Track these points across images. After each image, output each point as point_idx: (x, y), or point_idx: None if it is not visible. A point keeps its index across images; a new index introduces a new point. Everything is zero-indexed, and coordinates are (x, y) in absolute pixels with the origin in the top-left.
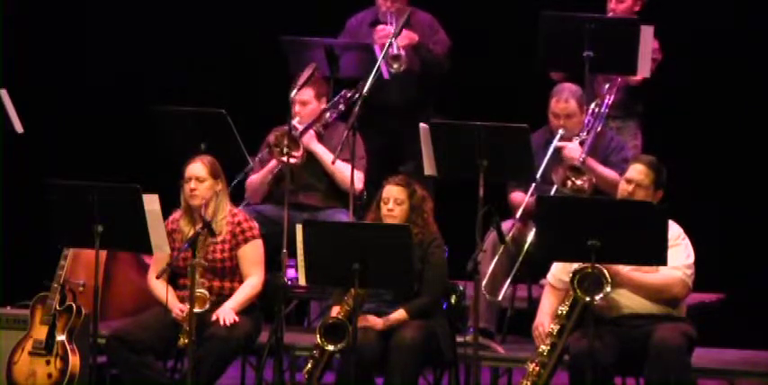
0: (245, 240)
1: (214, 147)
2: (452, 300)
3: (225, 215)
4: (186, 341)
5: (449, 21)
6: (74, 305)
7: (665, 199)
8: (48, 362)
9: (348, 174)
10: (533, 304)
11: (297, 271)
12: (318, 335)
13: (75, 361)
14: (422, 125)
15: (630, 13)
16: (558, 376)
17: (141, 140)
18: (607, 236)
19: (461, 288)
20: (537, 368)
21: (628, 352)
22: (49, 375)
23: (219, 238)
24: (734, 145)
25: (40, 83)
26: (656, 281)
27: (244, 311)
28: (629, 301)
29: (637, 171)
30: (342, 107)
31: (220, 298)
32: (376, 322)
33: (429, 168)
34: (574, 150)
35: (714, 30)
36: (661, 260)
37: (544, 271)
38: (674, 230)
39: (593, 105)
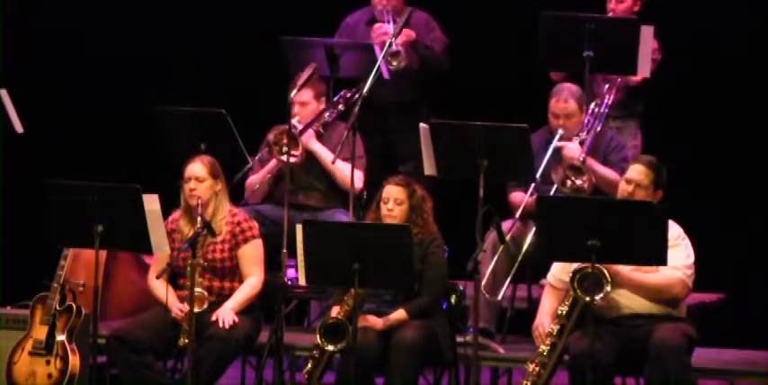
0: (245, 240)
1: (214, 147)
2: (452, 300)
3: (224, 215)
4: (186, 341)
5: (449, 20)
6: (74, 305)
7: (665, 199)
8: (48, 362)
9: (348, 173)
10: (533, 304)
11: (297, 271)
12: (318, 336)
13: (75, 361)
14: (422, 125)
15: (630, 13)
16: (558, 376)
17: (141, 140)
18: (607, 236)
19: (461, 288)
20: (537, 368)
21: (628, 352)
22: (49, 375)
23: (219, 238)
24: (734, 145)
25: (40, 83)
26: (656, 281)
27: (244, 311)
28: (629, 301)
29: (637, 171)
30: (341, 107)
31: (220, 298)
32: (376, 322)
33: (429, 168)
34: (573, 150)
35: (714, 30)
36: (661, 260)
37: (544, 271)
38: (674, 230)
39: (592, 105)
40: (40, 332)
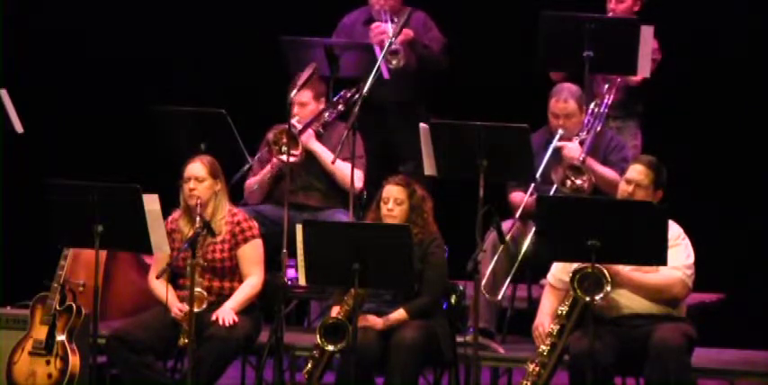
0: (245, 240)
1: (214, 147)
2: (452, 300)
3: (224, 215)
4: (186, 341)
5: (449, 20)
6: (74, 305)
7: (665, 199)
8: (48, 362)
9: (348, 173)
10: (533, 304)
11: (297, 271)
12: (318, 336)
13: (75, 361)
14: (422, 125)
15: (630, 13)
16: (558, 376)
17: (141, 140)
18: (607, 236)
19: (461, 288)
20: (537, 368)
21: (628, 352)
22: (49, 375)
23: (219, 238)
24: (734, 145)
25: (40, 83)
26: (656, 281)
27: (243, 311)
28: (629, 301)
29: (636, 171)
30: (341, 107)
31: (220, 298)
32: (376, 322)
33: (429, 168)
34: (573, 150)
35: (714, 30)
36: (661, 260)
37: (544, 271)
38: (674, 230)
39: (592, 105)
40: (40, 332)
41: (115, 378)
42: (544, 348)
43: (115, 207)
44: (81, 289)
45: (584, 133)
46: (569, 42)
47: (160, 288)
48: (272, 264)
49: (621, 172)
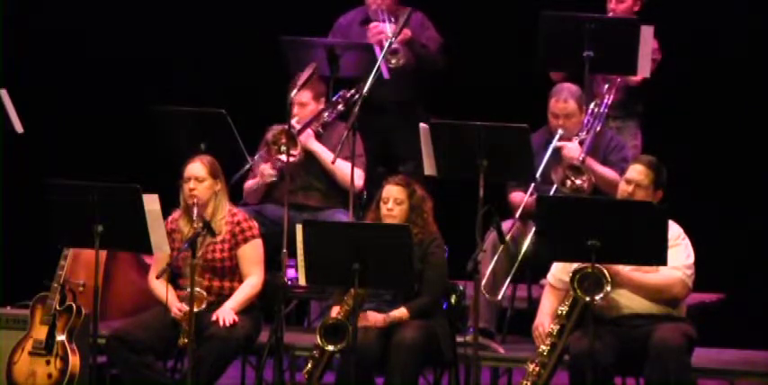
0: (245, 240)
1: (214, 147)
2: (452, 300)
3: (224, 215)
4: (186, 340)
5: (449, 20)
6: (74, 305)
7: (665, 199)
8: (48, 362)
9: (348, 172)
10: (533, 304)
11: (297, 271)
12: (318, 336)
13: (75, 361)
14: (422, 125)
15: (630, 13)
16: (558, 376)
17: (141, 140)
18: (607, 236)
19: (461, 288)
20: (537, 368)
21: (628, 352)
22: (49, 375)
23: (219, 238)
24: (734, 145)
25: (40, 83)
26: (656, 281)
27: (243, 311)
28: (629, 301)
29: (636, 171)
30: (341, 107)
31: (220, 298)
32: (377, 319)
33: (429, 168)
34: (573, 150)
35: (714, 30)
36: (661, 260)
37: (544, 271)
38: (674, 230)
39: (592, 105)
40: (40, 332)
41: (115, 378)
42: (544, 348)
43: (115, 207)
44: (81, 289)
45: (584, 133)
46: (569, 42)
47: (160, 288)
48: (272, 264)
49: (621, 172)
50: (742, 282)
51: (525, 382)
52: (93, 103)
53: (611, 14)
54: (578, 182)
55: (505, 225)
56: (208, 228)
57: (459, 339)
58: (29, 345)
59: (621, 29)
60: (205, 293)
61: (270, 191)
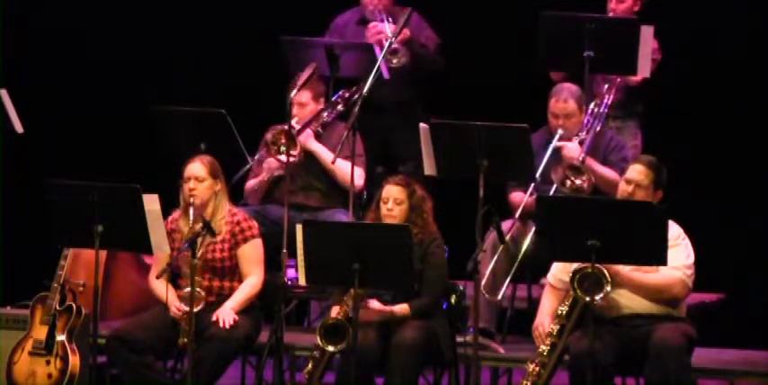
0: (245, 240)
1: (214, 147)
2: (452, 300)
3: (224, 215)
4: (186, 340)
5: (448, 20)
6: (74, 305)
7: (665, 199)
8: (48, 362)
9: (348, 171)
10: (533, 304)
11: (297, 271)
12: (318, 336)
13: (75, 361)
14: (422, 125)
15: (630, 13)
16: (558, 376)
17: (141, 140)
18: (607, 236)
19: (461, 288)
20: (537, 368)
21: (628, 352)
22: (49, 375)
23: (219, 238)
24: (734, 145)
25: (40, 83)
26: (656, 281)
27: (243, 311)
28: (629, 301)
29: (636, 171)
30: (340, 107)
31: (220, 298)
32: (376, 306)
33: (429, 168)
34: (573, 150)
35: (714, 30)
36: (661, 260)
37: (544, 271)
38: (674, 230)
39: (592, 105)
40: (40, 332)
41: (115, 378)
42: (544, 348)
43: (115, 207)
44: (81, 289)
45: (584, 133)
46: (569, 42)
47: (160, 288)
48: (272, 264)
49: (621, 172)
50: (742, 282)
51: (525, 382)
52: (93, 103)
53: (611, 14)
54: (578, 182)
55: (505, 225)
56: (208, 228)
57: (459, 339)
58: (29, 345)
59: (621, 29)
60: (203, 293)
61: (270, 191)
